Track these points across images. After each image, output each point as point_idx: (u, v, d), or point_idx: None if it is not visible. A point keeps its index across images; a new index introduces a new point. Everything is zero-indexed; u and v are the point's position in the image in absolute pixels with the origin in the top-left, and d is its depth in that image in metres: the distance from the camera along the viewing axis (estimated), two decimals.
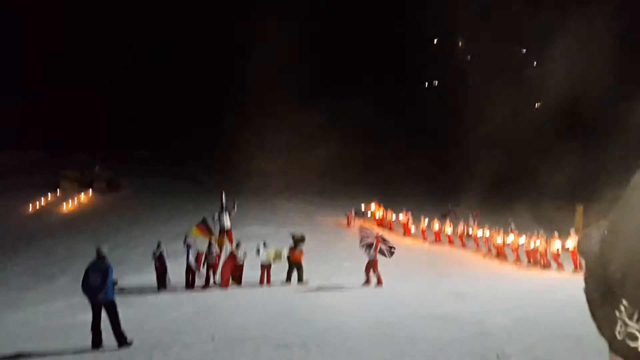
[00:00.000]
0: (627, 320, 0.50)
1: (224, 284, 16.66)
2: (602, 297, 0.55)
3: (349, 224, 28.22)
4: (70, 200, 32.04)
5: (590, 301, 0.57)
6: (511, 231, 23.87)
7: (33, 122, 42.51)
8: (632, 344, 0.50)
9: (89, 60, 51.14)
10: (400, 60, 56.06)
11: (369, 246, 16.79)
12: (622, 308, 0.51)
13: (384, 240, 17.22)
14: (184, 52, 53.99)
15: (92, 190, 34.16)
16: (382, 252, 16.82)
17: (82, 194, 33.37)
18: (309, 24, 55.25)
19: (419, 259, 21.89)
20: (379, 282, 16.47)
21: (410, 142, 43.54)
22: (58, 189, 33.80)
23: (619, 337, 0.51)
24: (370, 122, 46.96)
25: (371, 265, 16.62)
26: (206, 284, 16.95)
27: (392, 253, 16.94)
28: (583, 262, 0.62)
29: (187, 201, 29.53)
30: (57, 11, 51.76)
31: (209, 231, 17.92)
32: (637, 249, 0.49)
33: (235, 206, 18.64)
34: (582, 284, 0.61)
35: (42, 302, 14.68)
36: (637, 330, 0.49)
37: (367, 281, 16.58)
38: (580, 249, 0.62)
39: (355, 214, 29.09)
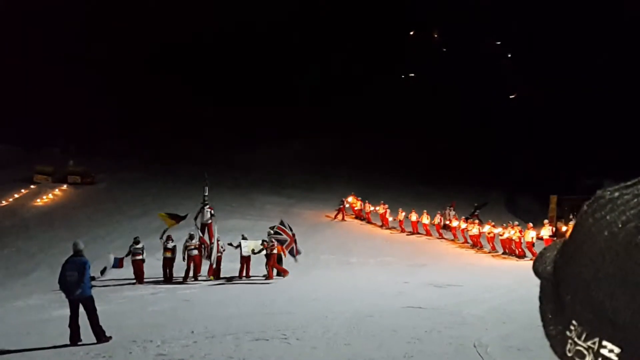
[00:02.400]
0: (576, 340, 0.56)
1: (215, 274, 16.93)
2: (555, 316, 0.61)
3: (342, 217, 28.04)
4: (44, 195, 31.53)
5: (544, 319, 0.62)
6: (452, 218, 24.93)
7: (4, 116, 41.56)
8: None
9: (63, 55, 50.24)
10: (378, 51, 56.14)
11: (281, 241, 17.19)
12: (572, 327, 0.56)
13: (296, 242, 17.67)
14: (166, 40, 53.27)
15: (67, 184, 33.65)
16: (291, 253, 17.35)
17: (57, 188, 32.86)
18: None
19: (397, 250, 22.08)
20: (270, 276, 16.83)
21: (388, 134, 43.72)
22: (32, 184, 33.23)
23: (569, 354, 0.56)
24: (349, 115, 47.01)
25: (272, 259, 16.92)
26: (185, 277, 16.91)
27: (297, 254, 17.60)
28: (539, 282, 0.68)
29: (163, 195, 29.30)
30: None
31: (178, 217, 17.97)
32: (583, 276, 0.55)
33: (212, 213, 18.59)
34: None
35: (17, 298, 14.46)
36: (585, 348, 0.54)
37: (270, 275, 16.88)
38: (535, 268, 0.67)
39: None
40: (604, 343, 0.53)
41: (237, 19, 55.08)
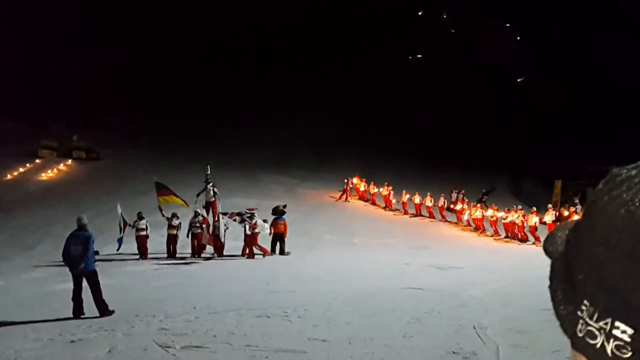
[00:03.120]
0: (587, 320, 0.55)
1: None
2: (565, 296, 0.60)
3: (346, 198, 28.08)
4: (49, 170, 31.63)
5: (554, 299, 0.61)
6: (459, 201, 24.96)
7: (10, 91, 41.45)
8: (591, 342, 0.54)
9: (67, 29, 49.89)
10: (383, 32, 55.64)
11: (243, 221, 17.17)
12: (584, 308, 0.55)
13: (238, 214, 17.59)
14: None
15: (71, 160, 33.74)
16: (244, 221, 17.21)
17: (62, 163, 32.95)
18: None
19: (399, 231, 22.14)
20: (250, 255, 16.94)
21: (394, 116, 43.55)
22: (37, 159, 33.32)
23: (579, 335, 0.55)
24: (354, 96, 46.78)
25: (251, 239, 16.98)
26: (192, 254, 17.07)
27: (245, 217, 17.37)
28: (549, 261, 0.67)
29: (168, 172, 29.32)
30: None
31: (172, 192, 17.87)
32: (597, 255, 0.54)
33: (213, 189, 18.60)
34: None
35: (22, 271, 14.59)
36: (596, 329, 0.54)
37: (251, 255, 16.95)
38: (546, 247, 0.66)
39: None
40: (617, 324, 0.53)
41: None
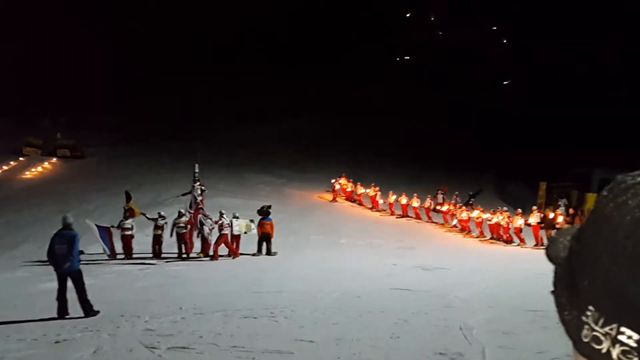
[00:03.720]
0: (592, 325, 0.55)
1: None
2: (570, 301, 0.60)
3: (333, 198, 28.16)
4: (33, 168, 31.28)
5: (558, 304, 0.62)
6: (444, 202, 25.81)
7: (7, 90, 40.90)
8: (596, 347, 0.54)
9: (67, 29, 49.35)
10: (374, 31, 55.69)
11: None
12: (589, 313, 0.56)
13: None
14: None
15: (56, 158, 33.40)
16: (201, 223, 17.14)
17: (46, 161, 32.60)
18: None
19: (386, 232, 22.17)
20: (235, 254, 16.91)
21: (381, 116, 43.64)
22: (21, 156, 32.93)
23: (585, 340, 0.56)
24: (343, 96, 46.81)
25: (222, 239, 16.88)
26: (179, 255, 16.97)
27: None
28: (552, 267, 0.67)
29: (154, 171, 29.17)
30: None
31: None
32: (602, 261, 0.54)
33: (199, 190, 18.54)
34: (548, 273, 0.66)
35: (5, 270, 14.40)
36: (602, 334, 0.54)
37: (236, 254, 16.93)
38: (548, 253, 0.66)
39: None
40: (623, 329, 0.53)
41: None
